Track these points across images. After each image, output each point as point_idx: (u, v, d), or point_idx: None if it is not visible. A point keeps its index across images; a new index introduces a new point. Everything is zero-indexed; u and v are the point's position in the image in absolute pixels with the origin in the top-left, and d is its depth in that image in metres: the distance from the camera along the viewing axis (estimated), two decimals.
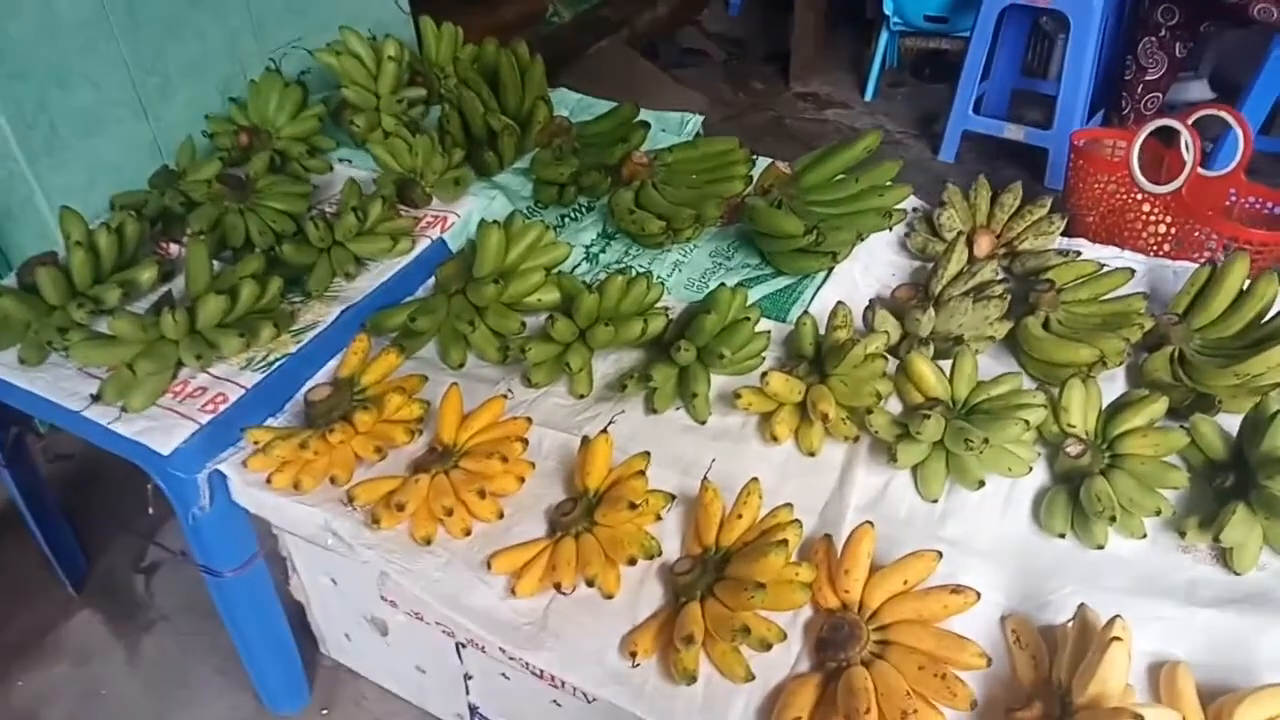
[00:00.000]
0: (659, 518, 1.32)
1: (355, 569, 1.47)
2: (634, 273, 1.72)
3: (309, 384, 1.56)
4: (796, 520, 1.26)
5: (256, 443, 1.40)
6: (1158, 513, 1.26)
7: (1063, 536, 1.28)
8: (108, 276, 1.58)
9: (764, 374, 1.42)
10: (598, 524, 1.29)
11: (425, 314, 1.59)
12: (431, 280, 1.76)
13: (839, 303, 1.51)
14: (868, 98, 3.52)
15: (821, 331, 1.52)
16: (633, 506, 1.26)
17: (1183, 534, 1.25)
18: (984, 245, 1.75)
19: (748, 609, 1.15)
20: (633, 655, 1.17)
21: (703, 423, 1.48)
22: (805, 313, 1.54)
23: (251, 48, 2.08)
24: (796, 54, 3.46)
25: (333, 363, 1.60)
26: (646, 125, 1.95)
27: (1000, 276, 1.65)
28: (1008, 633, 1.18)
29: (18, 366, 1.50)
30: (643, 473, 1.33)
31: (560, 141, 1.98)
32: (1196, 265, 1.61)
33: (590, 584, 1.24)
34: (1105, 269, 1.65)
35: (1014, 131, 2.94)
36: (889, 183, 1.78)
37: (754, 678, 1.14)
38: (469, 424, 1.43)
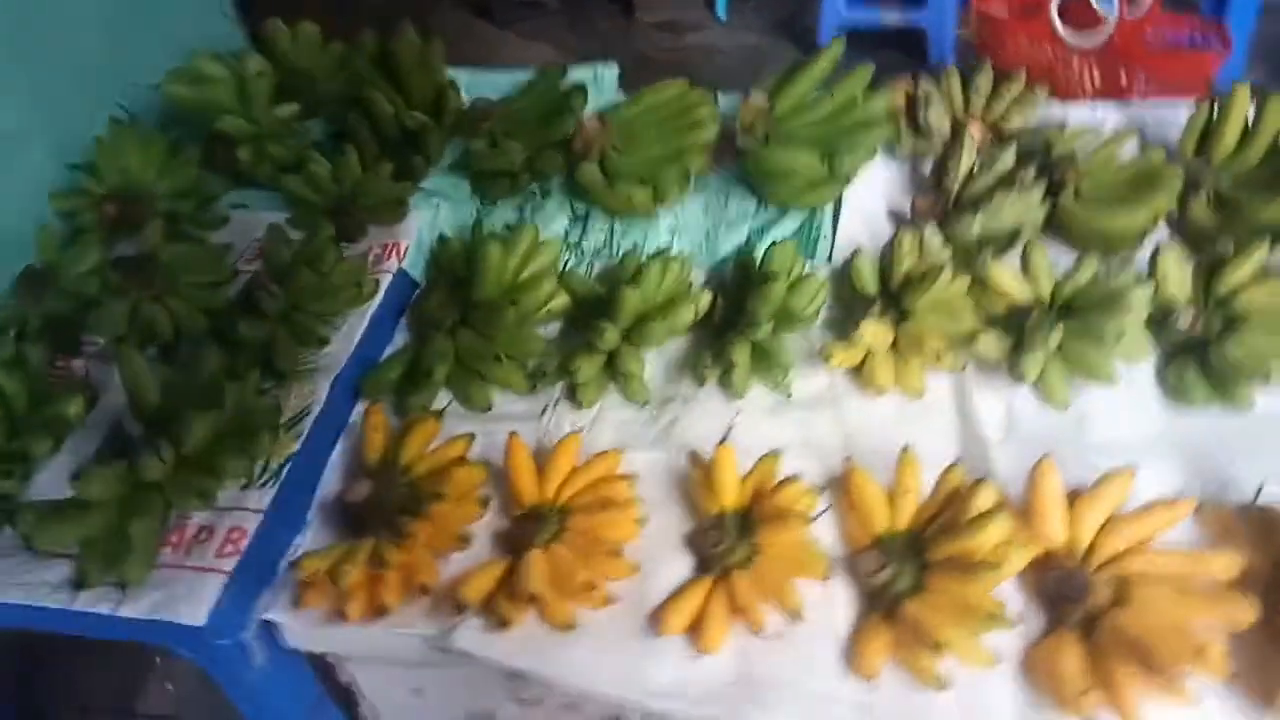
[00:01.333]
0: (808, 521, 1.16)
1: (451, 674, 1.24)
2: (627, 252, 1.51)
3: (328, 482, 1.29)
4: (982, 480, 1.12)
5: (313, 574, 1.13)
6: None
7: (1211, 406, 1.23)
8: (23, 426, 1.23)
9: (853, 324, 1.29)
10: (759, 546, 1.11)
11: (439, 360, 1.33)
12: (402, 320, 1.50)
13: (901, 229, 1.37)
14: (720, 15, 3.38)
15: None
16: (806, 519, 1.10)
17: None
18: (976, 134, 1.66)
19: (982, 594, 1.02)
20: (868, 678, 1.03)
21: (789, 396, 1.33)
22: (857, 251, 1.40)
23: (77, 103, 1.66)
24: None
25: (340, 448, 1.33)
26: (582, 88, 1.72)
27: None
28: (1210, 524, 1.11)
29: None
30: (791, 478, 1.16)
31: (488, 126, 1.72)
32: (1175, 105, 1.60)
33: (790, 614, 1.07)
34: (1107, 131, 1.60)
35: (892, 17, 2.87)
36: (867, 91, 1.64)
37: (999, 661, 1.03)
38: (549, 475, 1.22)
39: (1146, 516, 1.09)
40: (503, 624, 1.09)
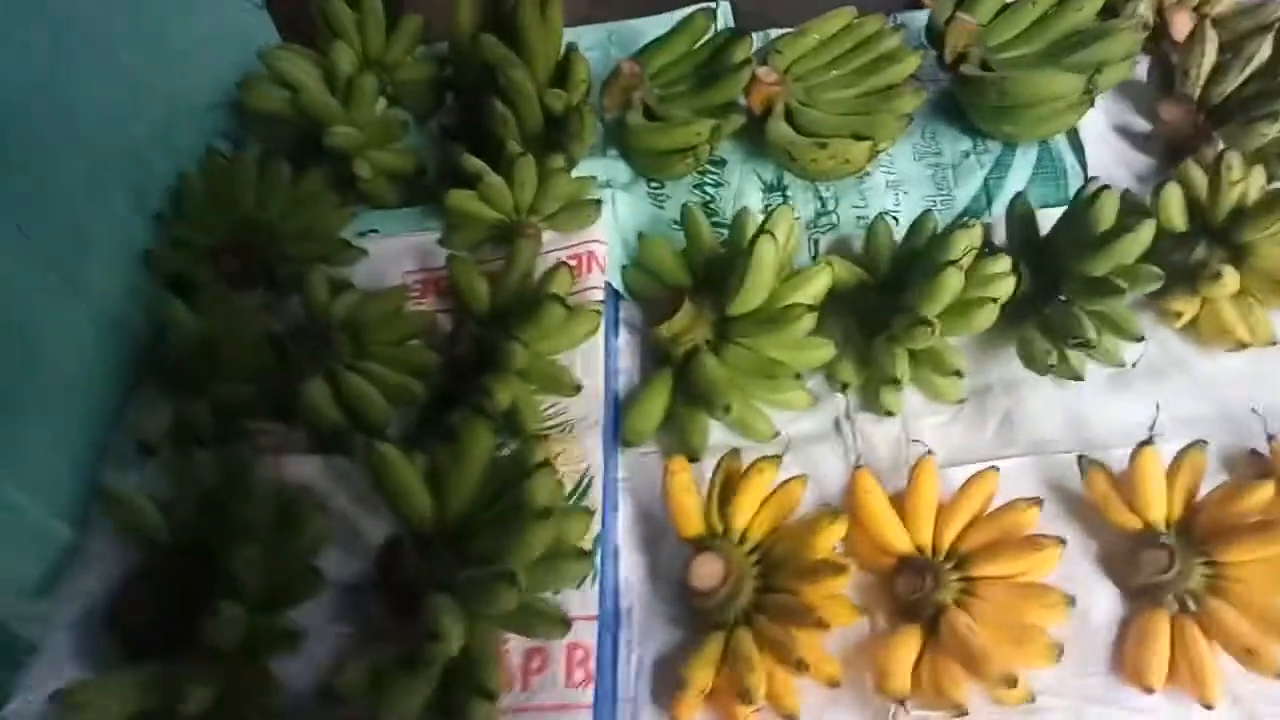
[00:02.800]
0: None
1: None
2: (872, 219, 1.29)
3: (630, 565, 1.06)
4: None
5: (701, 688, 0.92)
6: None
7: None
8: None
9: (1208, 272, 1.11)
10: (1225, 565, 0.94)
11: (717, 390, 1.11)
12: (626, 339, 1.26)
13: (1227, 151, 1.18)
14: None
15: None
16: None
17: None
18: (1184, 24, 1.47)
19: None
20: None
21: (1127, 365, 1.16)
22: (1166, 181, 1.20)
23: (124, 138, 1.30)
24: None
25: (627, 516, 1.11)
26: (747, 35, 1.45)
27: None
28: None
29: None
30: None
31: (640, 95, 1.45)
32: None
33: None
34: None
35: None
36: None
37: None
38: (913, 511, 1.02)
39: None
40: (959, 711, 0.90)
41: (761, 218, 1.19)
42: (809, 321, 1.10)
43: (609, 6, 1.76)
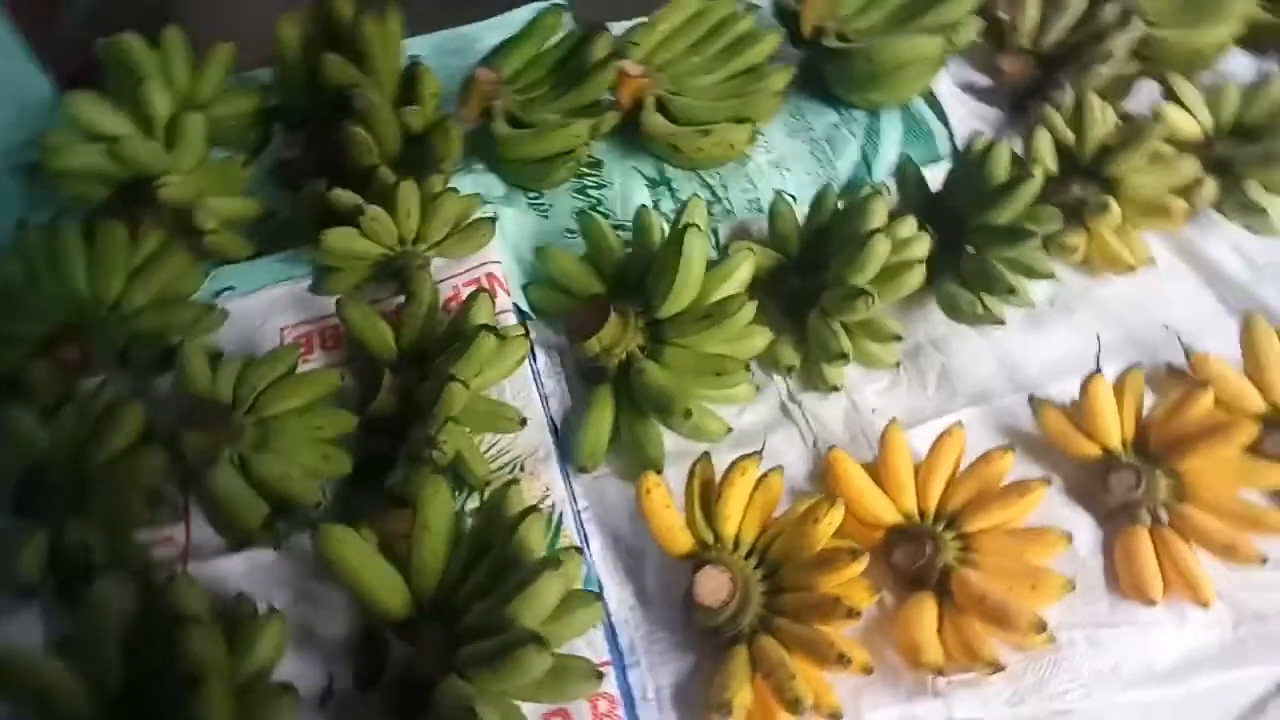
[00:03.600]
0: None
1: None
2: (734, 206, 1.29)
3: (617, 599, 0.99)
4: None
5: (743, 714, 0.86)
6: None
7: None
8: None
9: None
10: (1185, 474, 0.99)
11: (671, 396, 1.05)
12: (544, 360, 1.18)
13: (1089, 94, 1.25)
14: None
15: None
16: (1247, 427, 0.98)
17: None
18: None
19: None
20: None
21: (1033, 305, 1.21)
22: (1036, 128, 1.26)
23: None
24: None
25: (598, 547, 1.03)
26: (604, 29, 1.40)
27: None
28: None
29: None
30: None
31: (501, 103, 1.37)
32: None
33: None
34: None
35: None
36: None
37: None
38: (894, 480, 1.01)
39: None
40: (994, 667, 0.89)
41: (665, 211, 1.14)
42: (750, 310, 1.07)
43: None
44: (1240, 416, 0.98)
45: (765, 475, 1.01)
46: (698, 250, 1.06)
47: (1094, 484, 1.02)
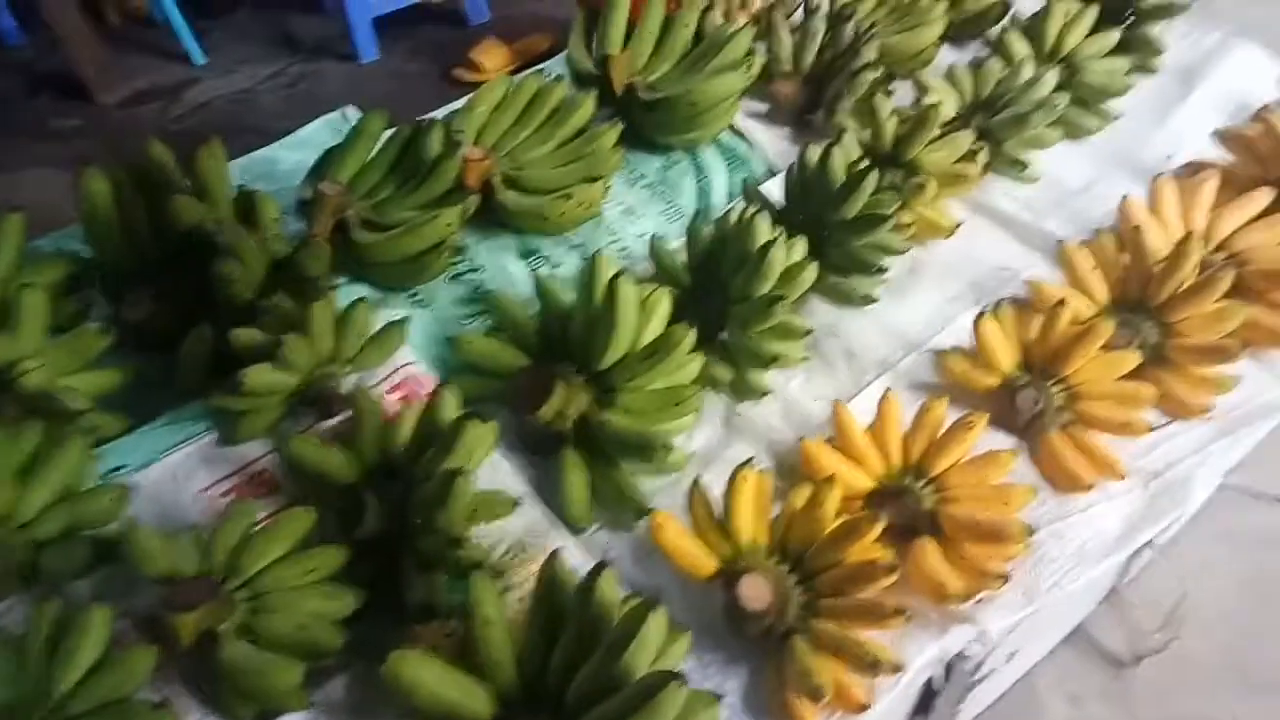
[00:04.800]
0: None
1: None
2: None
3: None
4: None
5: None
6: None
7: None
8: None
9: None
10: (1074, 381, 1.19)
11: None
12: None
13: (875, 97, 1.46)
14: (199, 61, 2.87)
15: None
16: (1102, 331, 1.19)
17: None
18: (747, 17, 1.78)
19: None
20: None
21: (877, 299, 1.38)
22: (843, 133, 1.45)
23: None
24: (81, 57, 2.52)
25: None
26: (441, 123, 1.42)
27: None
28: None
29: None
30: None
31: (353, 212, 1.35)
32: None
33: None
34: None
35: None
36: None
37: None
38: (858, 451, 1.13)
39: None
40: (1003, 579, 1.02)
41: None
42: (690, 339, 1.14)
43: None
44: (1093, 321, 1.19)
45: (758, 479, 1.08)
46: (631, 298, 1.12)
47: (1002, 408, 1.19)
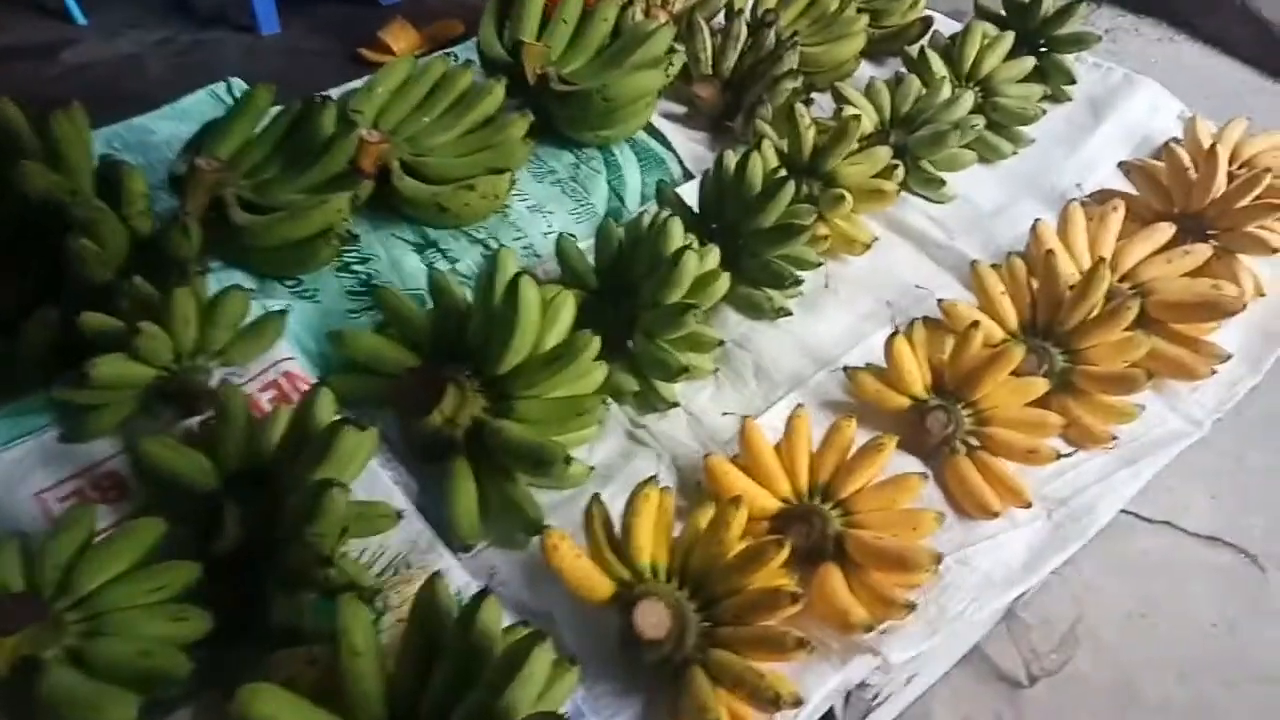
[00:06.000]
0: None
1: None
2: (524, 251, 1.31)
3: None
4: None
5: None
6: None
7: None
8: None
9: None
10: (982, 404, 1.17)
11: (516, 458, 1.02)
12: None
13: (795, 105, 1.42)
14: (79, 20, 2.64)
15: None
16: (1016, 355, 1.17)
17: None
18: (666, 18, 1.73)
19: None
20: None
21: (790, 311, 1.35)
22: (762, 140, 1.41)
23: None
24: None
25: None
26: (331, 102, 1.31)
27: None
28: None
29: None
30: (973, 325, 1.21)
31: (231, 191, 1.24)
32: None
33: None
34: None
35: None
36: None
37: None
38: (765, 471, 1.08)
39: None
40: (910, 608, 0.98)
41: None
42: (594, 346, 1.08)
43: None
44: (1004, 345, 1.17)
45: (660, 498, 1.02)
46: (534, 299, 1.05)
47: (912, 429, 1.16)
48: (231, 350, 1.07)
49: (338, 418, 0.92)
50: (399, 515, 0.96)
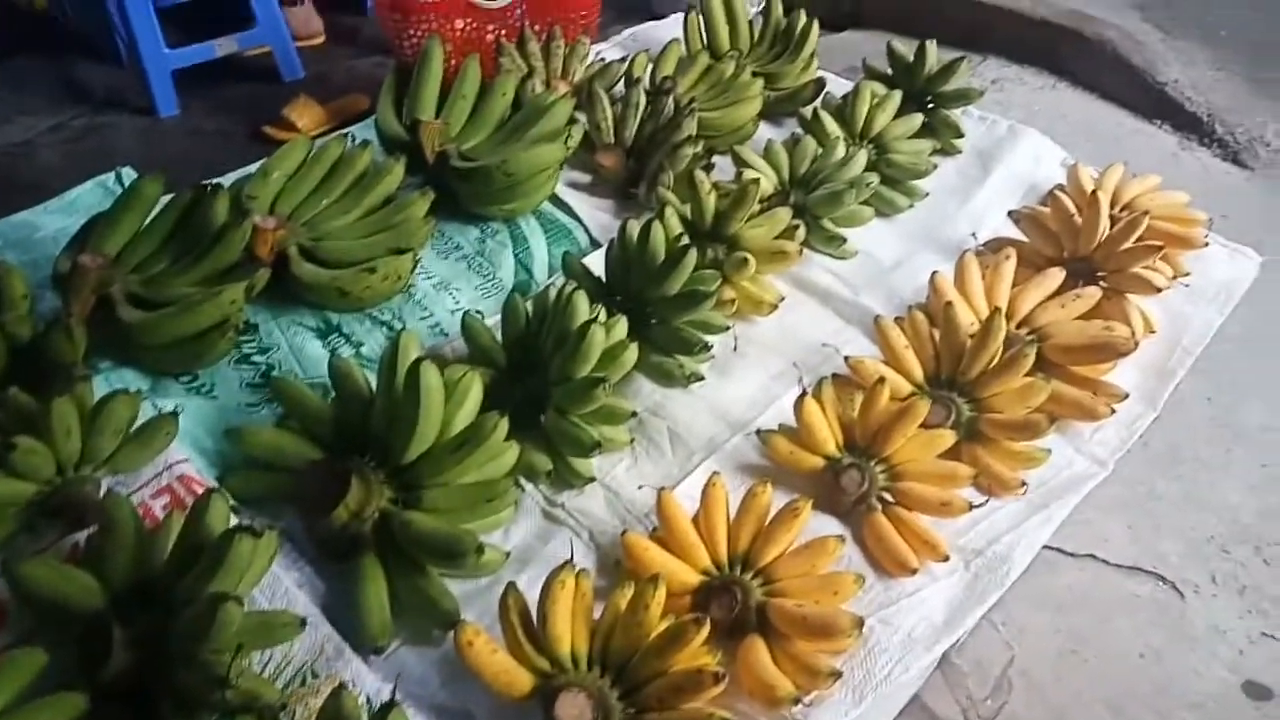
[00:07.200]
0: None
1: None
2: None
3: None
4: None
5: None
6: None
7: None
8: None
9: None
10: (894, 459, 1.18)
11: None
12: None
13: (695, 172, 1.43)
14: None
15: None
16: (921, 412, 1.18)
17: None
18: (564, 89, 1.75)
19: None
20: None
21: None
22: (664, 207, 1.42)
23: None
24: None
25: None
26: (223, 189, 1.28)
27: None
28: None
29: None
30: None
31: (119, 288, 1.20)
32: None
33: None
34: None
35: (227, 46, 2.54)
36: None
37: None
38: (684, 545, 1.07)
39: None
40: (836, 675, 0.97)
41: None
42: (503, 428, 1.06)
43: None
44: (910, 400, 1.19)
45: (576, 583, 0.99)
46: (435, 384, 1.03)
47: (827, 489, 1.16)
48: (119, 457, 1.02)
49: (233, 524, 0.88)
50: (303, 623, 0.91)
